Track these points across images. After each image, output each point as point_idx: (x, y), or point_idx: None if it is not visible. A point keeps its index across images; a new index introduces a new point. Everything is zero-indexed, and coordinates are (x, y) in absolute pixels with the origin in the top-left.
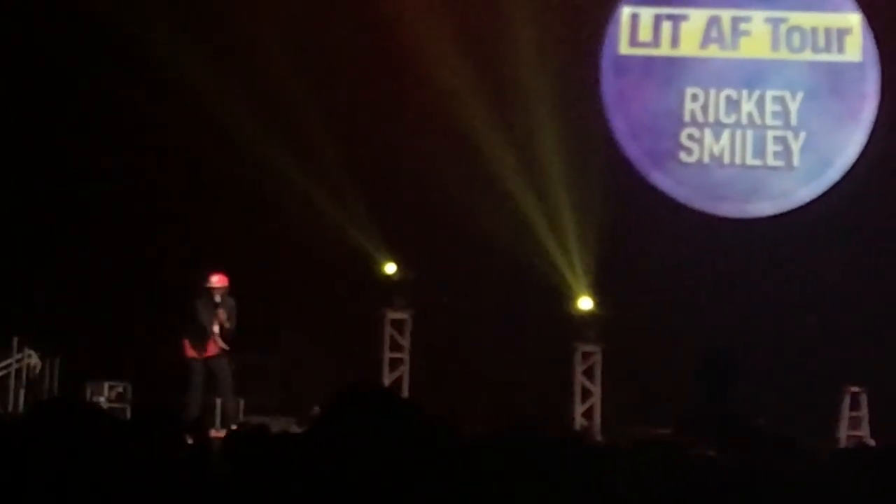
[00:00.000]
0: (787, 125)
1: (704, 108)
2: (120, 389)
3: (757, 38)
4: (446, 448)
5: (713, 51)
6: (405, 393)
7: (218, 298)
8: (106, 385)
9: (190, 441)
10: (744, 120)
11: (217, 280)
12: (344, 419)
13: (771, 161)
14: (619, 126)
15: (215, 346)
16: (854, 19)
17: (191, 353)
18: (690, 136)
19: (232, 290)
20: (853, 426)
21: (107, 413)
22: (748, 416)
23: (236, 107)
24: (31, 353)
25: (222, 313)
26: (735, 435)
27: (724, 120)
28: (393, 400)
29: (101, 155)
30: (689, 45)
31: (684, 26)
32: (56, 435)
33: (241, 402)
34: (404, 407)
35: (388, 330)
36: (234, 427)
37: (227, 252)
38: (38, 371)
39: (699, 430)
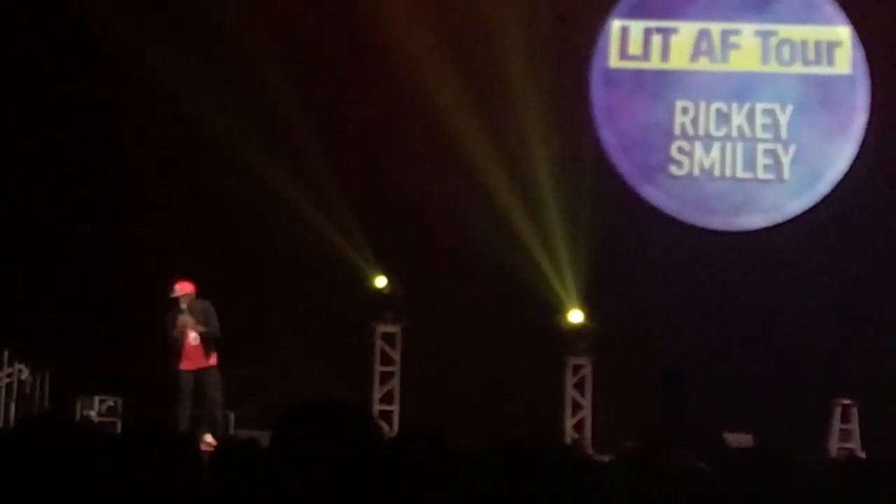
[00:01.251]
0: (777, 138)
1: (694, 122)
2: (111, 403)
3: (747, 51)
4: (423, 461)
5: (703, 64)
6: (396, 406)
7: (183, 306)
8: (96, 399)
9: (179, 455)
10: (734, 133)
11: (179, 288)
12: (298, 435)
13: (761, 174)
14: (610, 139)
15: (202, 358)
16: (844, 32)
17: (180, 365)
18: (680, 150)
19: (200, 294)
20: (843, 439)
21: (97, 427)
22: (704, 431)
23: (227, 119)
24: (22, 367)
25: (189, 320)
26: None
27: (714, 133)
28: (348, 414)
29: (91, 168)
30: (679, 59)
31: (674, 39)
32: (46, 450)
33: (231, 416)
34: (359, 421)
35: (379, 343)
36: (214, 440)
37: (219, 266)
38: (28, 385)
39: (660, 445)
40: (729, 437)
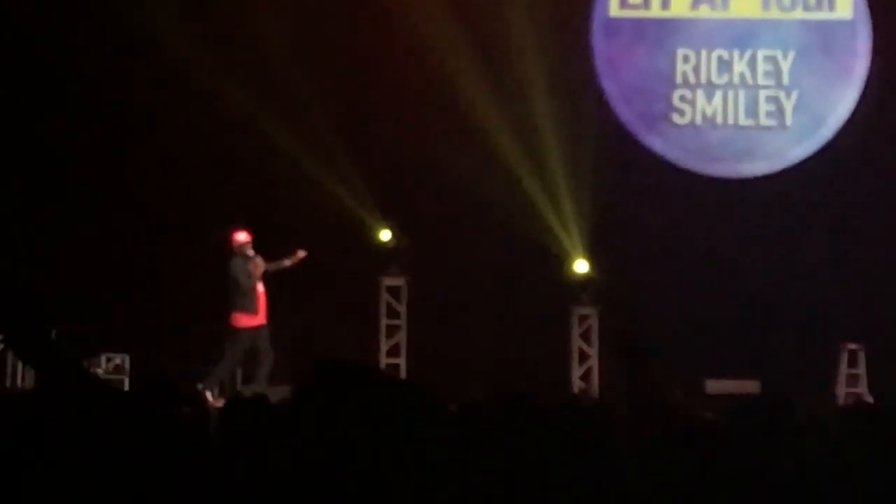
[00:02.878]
0: (779, 84)
1: (696, 70)
2: (118, 361)
3: None
4: (435, 417)
5: (704, 11)
6: (402, 359)
7: (250, 252)
8: (104, 357)
9: (188, 411)
10: (736, 80)
11: (245, 236)
12: (319, 397)
13: (763, 121)
14: (611, 89)
15: (265, 311)
16: None
17: (244, 322)
18: (682, 98)
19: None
20: (851, 383)
21: (106, 384)
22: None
23: (226, 74)
24: None
25: (266, 265)
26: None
27: (716, 81)
28: (369, 374)
29: (90, 128)
30: (680, 6)
31: None
32: (60, 408)
33: (238, 372)
34: (381, 380)
35: (385, 297)
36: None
37: (222, 221)
38: None
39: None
40: (710, 385)
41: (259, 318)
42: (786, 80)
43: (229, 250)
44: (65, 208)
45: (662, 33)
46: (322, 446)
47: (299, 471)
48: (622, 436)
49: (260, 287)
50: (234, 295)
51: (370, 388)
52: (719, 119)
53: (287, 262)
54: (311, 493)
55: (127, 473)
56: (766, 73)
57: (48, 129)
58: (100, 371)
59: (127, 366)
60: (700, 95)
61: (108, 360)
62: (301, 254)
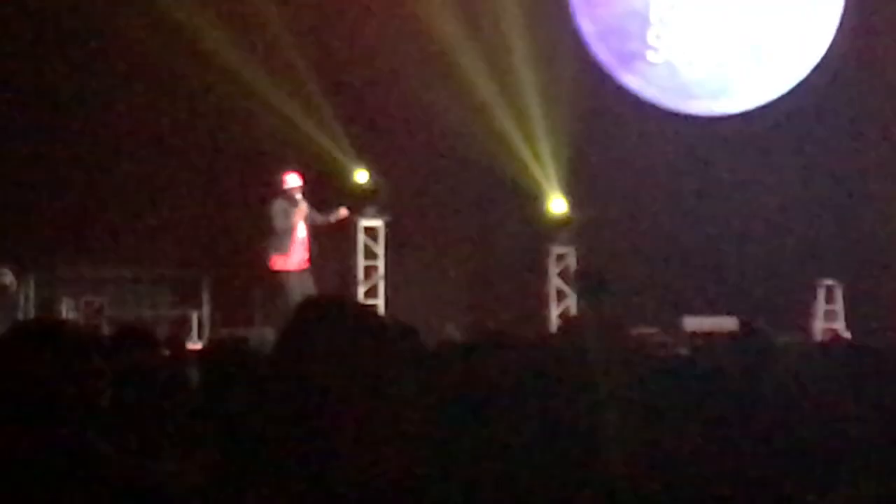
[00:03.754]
0: (754, 22)
1: (671, 7)
2: (96, 305)
3: None
4: (417, 354)
5: None
6: (380, 300)
7: (299, 197)
8: (82, 300)
9: (166, 355)
10: (711, 18)
11: (297, 178)
12: (307, 333)
13: (739, 58)
14: (587, 27)
15: (305, 256)
16: None
17: (277, 264)
18: (658, 36)
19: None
20: (829, 319)
21: (83, 328)
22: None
23: (203, 16)
24: (5, 271)
25: (312, 212)
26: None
27: (692, 18)
28: (354, 310)
29: (75, 69)
30: None
31: None
32: (34, 353)
33: (218, 315)
34: (365, 316)
35: (362, 238)
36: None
37: (199, 165)
38: (13, 289)
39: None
40: (687, 322)
41: (293, 262)
42: (761, 17)
43: (274, 191)
44: (46, 155)
45: None
46: (299, 385)
47: (275, 411)
48: (599, 373)
49: (301, 231)
50: (270, 236)
51: (351, 325)
52: (695, 57)
53: (332, 219)
54: (286, 431)
55: (102, 417)
56: (742, 10)
57: (31, 75)
58: (78, 314)
59: (105, 309)
60: (676, 33)
61: (87, 303)
62: (343, 212)
